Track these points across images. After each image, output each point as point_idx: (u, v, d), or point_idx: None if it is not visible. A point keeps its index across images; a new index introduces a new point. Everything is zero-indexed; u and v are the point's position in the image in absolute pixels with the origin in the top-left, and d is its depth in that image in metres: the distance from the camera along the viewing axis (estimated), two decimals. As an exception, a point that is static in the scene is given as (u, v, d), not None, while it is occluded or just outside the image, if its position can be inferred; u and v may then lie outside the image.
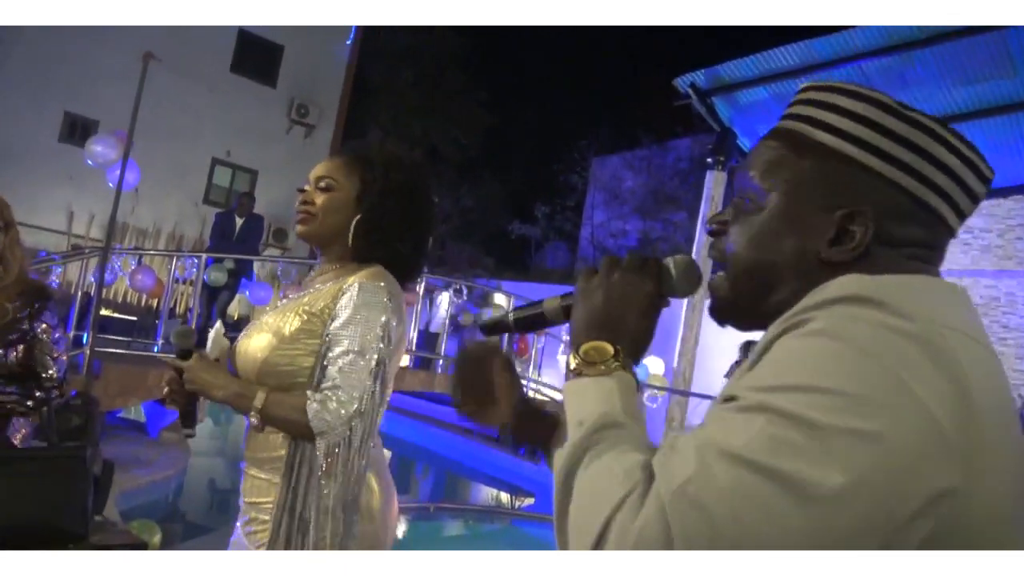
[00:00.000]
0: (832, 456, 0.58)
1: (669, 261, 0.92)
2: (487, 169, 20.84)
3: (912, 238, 0.78)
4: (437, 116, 19.67)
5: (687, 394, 9.79)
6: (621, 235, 18.81)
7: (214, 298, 8.06)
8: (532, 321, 1.03)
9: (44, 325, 2.39)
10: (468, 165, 20.64)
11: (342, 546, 1.51)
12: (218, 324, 1.72)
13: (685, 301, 10.08)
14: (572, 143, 20.55)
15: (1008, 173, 9.41)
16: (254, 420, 1.54)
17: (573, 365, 0.83)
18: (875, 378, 0.61)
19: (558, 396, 10.23)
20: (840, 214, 0.77)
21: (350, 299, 1.58)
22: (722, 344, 10.18)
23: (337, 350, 1.56)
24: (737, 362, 9.62)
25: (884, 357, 0.62)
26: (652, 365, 10.15)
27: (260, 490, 1.59)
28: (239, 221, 8.16)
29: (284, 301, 1.73)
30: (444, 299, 12.85)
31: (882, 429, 0.59)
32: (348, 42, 16.91)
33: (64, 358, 2.44)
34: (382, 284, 1.61)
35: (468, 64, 20.65)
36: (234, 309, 9.70)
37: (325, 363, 1.56)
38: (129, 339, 9.08)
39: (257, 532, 1.58)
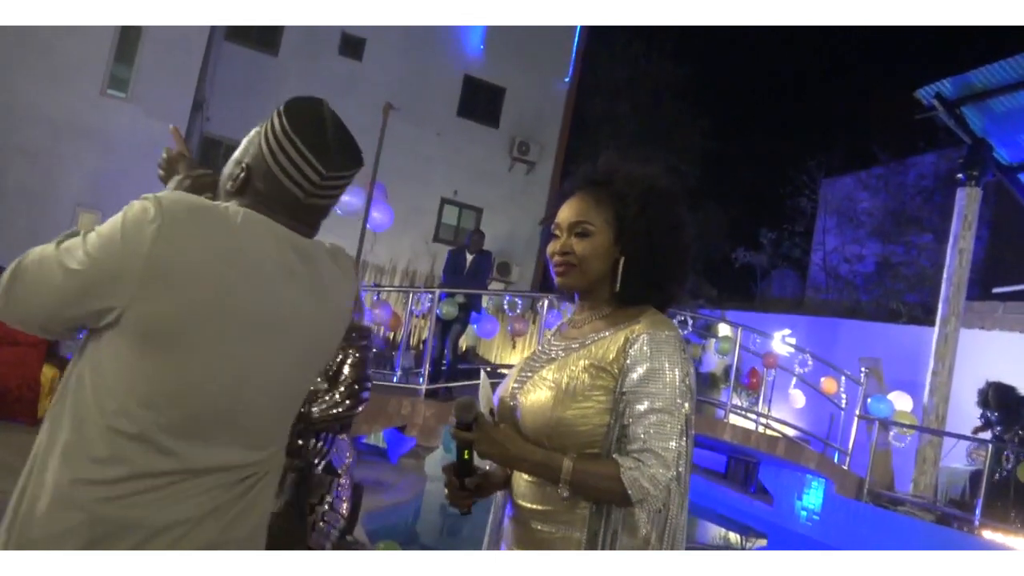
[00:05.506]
0: (64, 273, 1.24)
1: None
2: (708, 196, 20.32)
3: (263, 191, 1.39)
4: (656, 146, 19.53)
5: (939, 433, 8.86)
6: (857, 260, 17.45)
7: (446, 330, 8.48)
8: None
9: (374, 348, 3.04)
10: (689, 193, 20.17)
11: None
12: (483, 376, 1.66)
13: (936, 330, 9.14)
14: (799, 165, 19.46)
15: None
16: (564, 492, 1.44)
17: None
18: (105, 240, 1.25)
19: (789, 431, 9.66)
20: (240, 167, 1.41)
21: (642, 351, 1.46)
22: (979, 377, 9.12)
23: (639, 408, 1.44)
24: (983, 416, 8.57)
25: (123, 228, 1.25)
26: (898, 401, 9.27)
27: (547, 544, 1.50)
28: (470, 257, 8.55)
29: (545, 349, 1.64)
30: (666, 330, 12.58)
31: (79, 268, 1.24)
32: (567, 79, 17.33)
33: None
34: (671, 333, 1.50)
35: (686, 92, 20.38)
36: (463, 341, 10.12)
37: (627, 422, 1.44)
38: (371, 370, 9.75)
39: None
